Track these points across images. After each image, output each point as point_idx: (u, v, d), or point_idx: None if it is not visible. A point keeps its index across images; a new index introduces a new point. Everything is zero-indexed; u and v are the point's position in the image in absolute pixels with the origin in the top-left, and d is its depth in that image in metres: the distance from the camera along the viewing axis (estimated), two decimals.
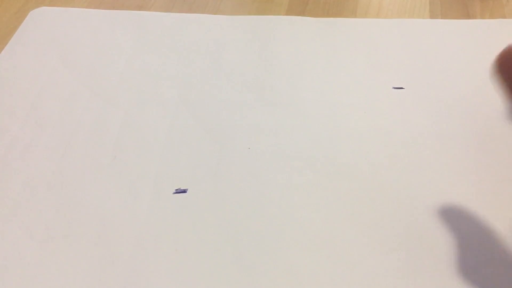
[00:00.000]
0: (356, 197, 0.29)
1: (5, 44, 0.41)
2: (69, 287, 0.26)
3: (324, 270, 0.26)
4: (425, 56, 0.37)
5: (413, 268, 0.26)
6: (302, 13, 0.43)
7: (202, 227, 0.28)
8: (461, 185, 0.29)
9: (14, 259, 0.28)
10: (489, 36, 0.39)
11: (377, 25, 0.41)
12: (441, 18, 0.41)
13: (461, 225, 0.28)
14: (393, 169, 0.31)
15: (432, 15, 0.42)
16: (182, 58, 0.39)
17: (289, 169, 0.31)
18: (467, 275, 0.26)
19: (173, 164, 0.32)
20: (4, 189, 0.31)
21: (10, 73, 0.38)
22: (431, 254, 0.27)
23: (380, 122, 0.33)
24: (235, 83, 0.37)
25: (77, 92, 0.36)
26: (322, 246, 0.27)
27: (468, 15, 0.41)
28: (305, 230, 0.28)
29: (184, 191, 0.30)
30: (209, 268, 0.27)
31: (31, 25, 0.42)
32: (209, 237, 0.28)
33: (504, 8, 0.42)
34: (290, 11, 0.43)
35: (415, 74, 0.36)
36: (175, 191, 0.30)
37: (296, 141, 0.32)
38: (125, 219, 0.29)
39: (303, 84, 0.36)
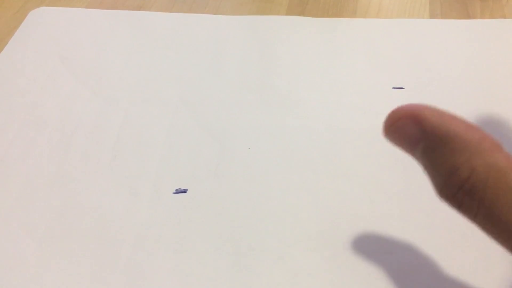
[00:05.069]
0: (356, 197, 0.29)
1: (5, 44, 0.41)
2: (69, 287, 0.26)
3: (324, 270, 0.26)
4: (425, 56, 0.37)
5: (414, 268, 0.26)
6: (302, 13, 0.43)
7: (202, 227, 0.28)
8: None
9: (14, 259, 0.28)
10: (489, 36, 0.39)
11: (377, 25, 0.41)
12: (441, 18, 0.41)
13: (462, 224, 0.28)
14: (393, 169, 0.31)
15: (432, 15, 0.42)
16: (182, 58, 0.39)
17: (289, 169, 0.31)
18: (468, 274, 0.26)
19: (173, 164, 0.32)
20: (4, 189, 0.31)
21: (10, 73, 0.38)
22: (433, 254, 0.27)
23: (380, 122, 0.33)
24: (235, 83, 0.37)
25: (77, 92, 0.36)
26: (322, 246, 0.27)
27: (468, 15, 0.41)
28: (305, 230, 0.28)
29: (184, 191, 0.30)
30: (209, 268, 0.27)
31: (31, 25, 0.42)
32: (209, 237, 0.28)
33: (504, 8, 0.42)
34: (290, 11, 0.43)
35: (415, 74, 0.36)
36: (175, 191, 0.30)
37: (296, 141, 0.32)
38: (125, 219, 0.29)
39: (303, 84, 0.36)
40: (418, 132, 0.16)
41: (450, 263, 0.26)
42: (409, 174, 0.30)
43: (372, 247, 0.27)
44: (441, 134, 0.16)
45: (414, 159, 0.18)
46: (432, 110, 0.16)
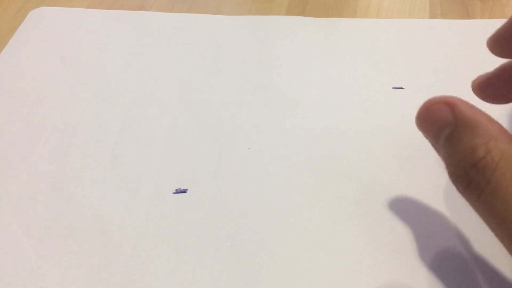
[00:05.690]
0: (356, 197, 0.29)
1: (5, 44, 0.41)
2: (69, 287, 0.26)
3: (325, 270, 0.26)
4: (425, 56, 0.38)
5: (414, 268, 0.26)
6: (302, 13, 0.43)
7: (202, 227, 0.28)
8: None
9: (14, 259, 0.28)
10: (489, 36, 0.39)
11: (377, 25, 0.41)
12: (441, 18, 0.41)
13: (463, 223, 0.28)
14: (393, 169, 0.31)
15: (432, 15, 0.42)
16: (182, 58, 0.39)
17: (289, 169, 0.31)
18: (469, 276, 0.26)
19: (173, 164, 0.32)
20: (4, 189, 0.31)
21: (10, 73, 0.38)
22: (434, 255, 0.27)
23: (380, 122, 0.33)
24: (235, 83, 0.37)
25: (77, 92, 0.36)
26: (323, 246, 0.27)
27: (468, 15, 0.41)
28: (306, 230, 0.28)
29: (184, 191, 0.30)
30: (209, 268, 0.27)
31: (31, 25, 0.42)
32: (209, 237, 0.28)
33: (504, 8, 0.42)
34: (290, 11, 0.43)
35: (415, 74, 0.36)
36: (175, 191, 0.30)
37: (296, 141, 0.33)
38: (125, 219, 0.29)
39: (303, 84, 0.36)
40: (449, 116, 0.19)
41: (450, 263, 0.26)
42: (410, 174, 0.30)
43: (372, 247, 0.27)
44: (468, 119, 0.18)
45: (435, 146, 0.20)
46: (463, 101, 0.19)
